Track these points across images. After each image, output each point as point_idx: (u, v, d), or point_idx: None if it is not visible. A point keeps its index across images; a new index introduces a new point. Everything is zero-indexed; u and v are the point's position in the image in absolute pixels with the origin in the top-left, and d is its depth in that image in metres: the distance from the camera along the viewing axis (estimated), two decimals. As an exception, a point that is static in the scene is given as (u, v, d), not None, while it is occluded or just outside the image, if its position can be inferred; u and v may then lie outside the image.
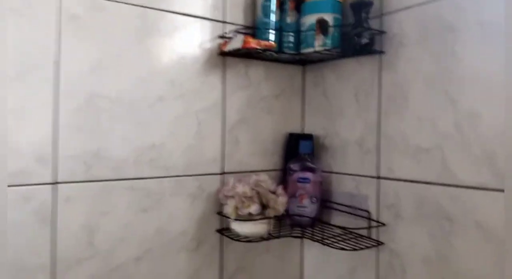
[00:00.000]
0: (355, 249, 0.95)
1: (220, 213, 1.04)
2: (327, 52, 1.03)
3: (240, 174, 1.09)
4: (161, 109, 0.97)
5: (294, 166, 1.10)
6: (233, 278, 1.10)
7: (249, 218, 0.97)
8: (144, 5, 0.94)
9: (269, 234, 1.02)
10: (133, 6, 0.93)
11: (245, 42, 0.98)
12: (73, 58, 0.86)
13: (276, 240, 1.06)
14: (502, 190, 0.77)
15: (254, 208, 0.95)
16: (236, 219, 0.97)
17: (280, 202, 0.99)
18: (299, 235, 1.06)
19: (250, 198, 0.96)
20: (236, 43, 1.00)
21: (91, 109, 0.88)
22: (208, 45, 1.04)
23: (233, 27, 1.07)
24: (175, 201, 0.99)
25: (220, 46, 1.05)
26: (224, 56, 1.06)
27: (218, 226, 1.07)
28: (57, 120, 0.85)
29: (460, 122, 0.84)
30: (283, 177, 1.14)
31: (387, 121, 0.99)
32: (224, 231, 1.05)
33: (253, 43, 0.99)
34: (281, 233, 1.02)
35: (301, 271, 1.23)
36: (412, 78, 0.94)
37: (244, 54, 1.06)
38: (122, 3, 0.92)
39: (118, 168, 0.92)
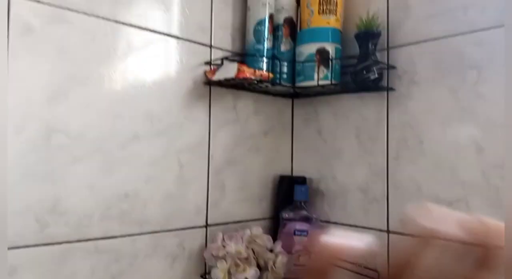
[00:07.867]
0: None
1: (204, 277, 0.85)
2: (330, 86, 0.90)
3: (226, 225, 0.91)
4: (135, 150, 0.78)
5: (289, 215, 0.95)
6: None
7: (245, 284, 0.79)
8: (116, 19, 0.76)
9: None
10: (102, 20, 0.75)
11: (239, 71, 0.83)
12: (24, 82, 0.66)
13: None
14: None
15: (251, 273, 0.78)
16: (228, 287, 0.79)
17: (280, 263, 0.83)
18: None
19: (246, 260, 0.79)
20: (229, 71, 0.84)
21: (45, 149, 0.67)
22: (192, 72, 0.88)
23: (220, 53, 0.92)
24: (151, 264, 0.79)
25: (207, 74, 0.88)
26: (211, 85, 0.90)
27: (199, 291, 0.88)
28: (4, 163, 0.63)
29: (488, 172, 0.75)
30: (274, 228, 0.98)
31: (398, 168, 0.88)
32: (208, 297, 0.86)
33: (248, 73, 0.84)
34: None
35: None
36: (427, 119, 0.84)
37: (234, 84, 0.90)
38: (87, 15, 0.73)
39: (80, 225, 0.70)
